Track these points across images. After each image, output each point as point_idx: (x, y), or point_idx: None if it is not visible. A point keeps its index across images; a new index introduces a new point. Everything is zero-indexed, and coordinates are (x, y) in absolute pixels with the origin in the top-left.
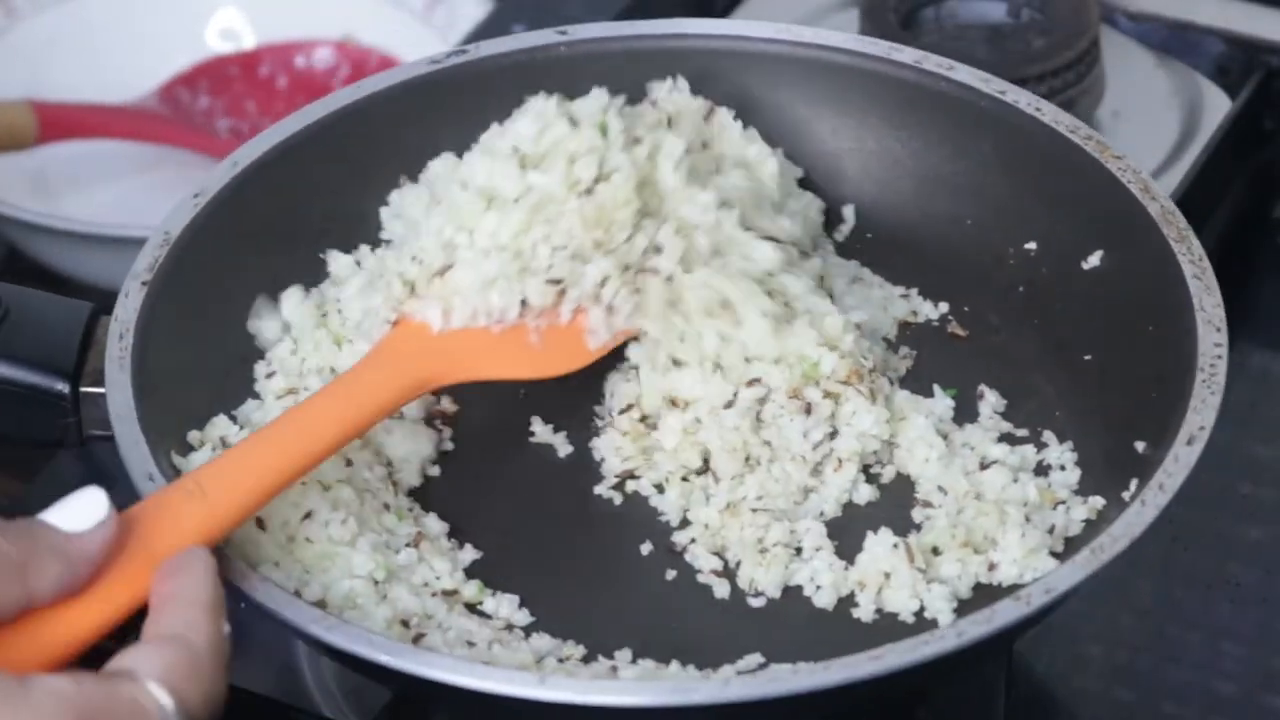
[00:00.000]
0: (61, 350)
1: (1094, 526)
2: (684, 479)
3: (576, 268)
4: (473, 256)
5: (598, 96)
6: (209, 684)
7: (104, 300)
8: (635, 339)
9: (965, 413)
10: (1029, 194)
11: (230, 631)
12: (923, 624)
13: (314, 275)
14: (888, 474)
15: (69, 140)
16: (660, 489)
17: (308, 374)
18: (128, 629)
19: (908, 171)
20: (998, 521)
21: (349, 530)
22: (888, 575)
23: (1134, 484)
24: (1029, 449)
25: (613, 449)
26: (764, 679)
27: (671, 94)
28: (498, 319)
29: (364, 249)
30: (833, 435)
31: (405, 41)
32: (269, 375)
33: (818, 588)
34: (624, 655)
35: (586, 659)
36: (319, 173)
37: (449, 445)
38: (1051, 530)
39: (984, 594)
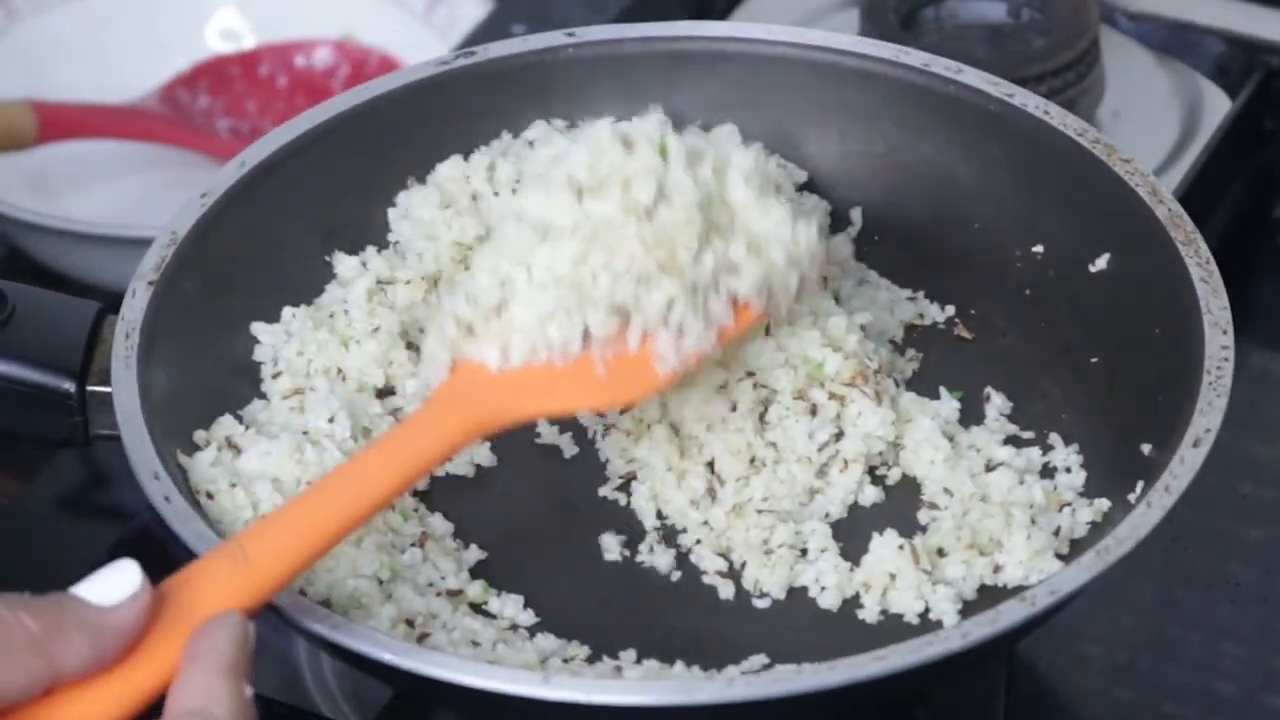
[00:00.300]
0: (68, 349)
1: (1099, 529)
2: (689, 480)
3: (640, 292)
4: (529, 291)
5: (655, 116)
6: None
7: (105, 300)
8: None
9: (971, 415)
10: (1036, 197)
11: (253, 694)
12: (928, 625)
13: (320, 277)
14: (893, 476)
15: (69, 140)
16: (665, 490)
17: (314, 374)
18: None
19: (915, 174)
20: (1003, 523)
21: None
22: (893, 576)
23: (1139, 486)
24: (1035, 451)
25: (617, 450)
26: (768, 679)
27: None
28: (560, 353)
29: (370, 250)
30: (838, 437)
31: (405, 41)
32: (275, 375)
33: (823, 589)
34: (629, 655)
35: (591, 659)
36: (326, 174)
37: None
38: (1057, 532)
39: (989, 595)
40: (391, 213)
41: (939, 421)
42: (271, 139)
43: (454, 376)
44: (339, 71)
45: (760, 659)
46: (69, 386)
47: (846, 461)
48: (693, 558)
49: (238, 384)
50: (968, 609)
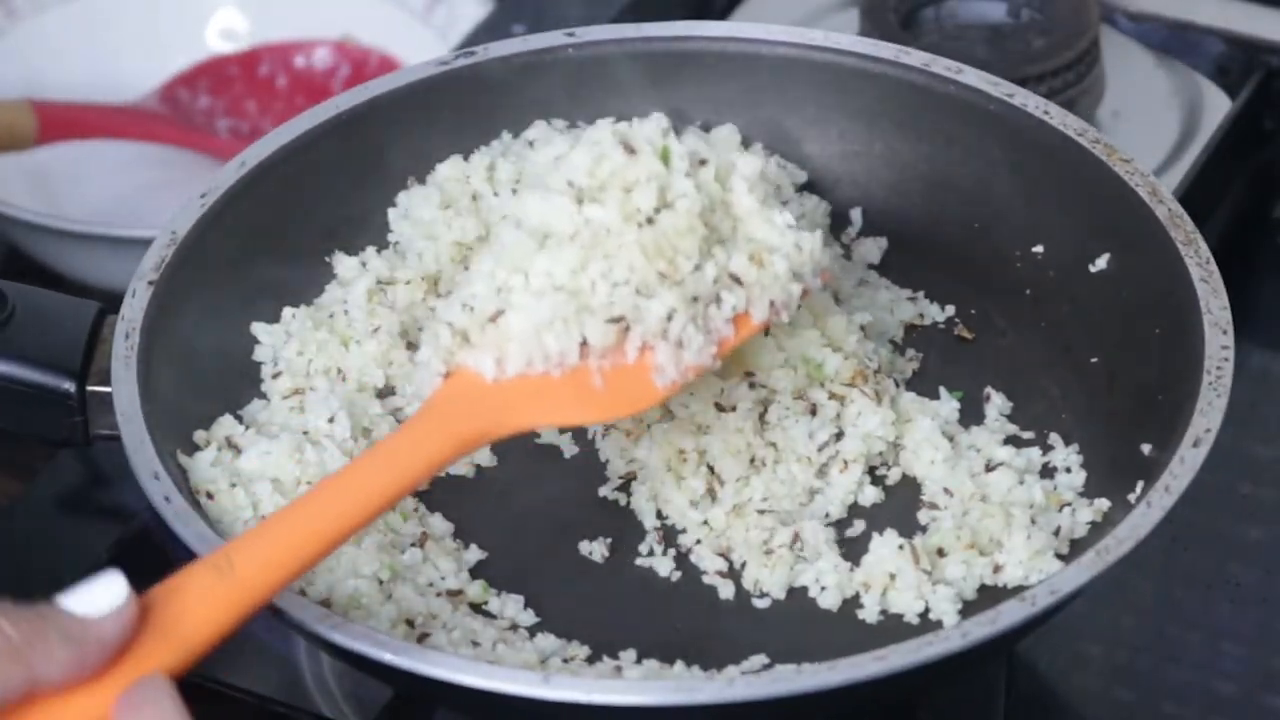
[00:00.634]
0: (68, 349)
1: (1099, 529)
2: (689, 481)
3: (640, 303)
4: (526, 300)
5: (656, 120)
6: None
7: (105, 299)
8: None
9: (971, 415)
10: (1036, 197)
11: None
12: (928, 625)
13: (320, 277)
14: (893, 476)
15: (69, 140)
16: (665, 491)
17: (314, 374)
18: None
19: (915, 174)
20: (1003, 523)
21: None
22: (893, 577)
23: (1139, 486)
24: (1035, 451)
25: (617, 450)
26: (768, 679)
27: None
28: (556, 363)
29: (370, 251)
30: (838, 437)
31: (405, 41)
32: (275, 375)
33: (823, 589)
34: (629, 655)
35: (591, 659)
36: (326, 174)
37: None
38: (1057, 532)
39: (989, 595)
40: (391, 213)
41: (939, 421)
42: (271, 139)
43: (448, 385)
44: (339, 71)
45: (760, 659)
46: (69, 386)
47: (846, 461)
48: (693, 558)
49: (238, 384)
50: (968, 609)
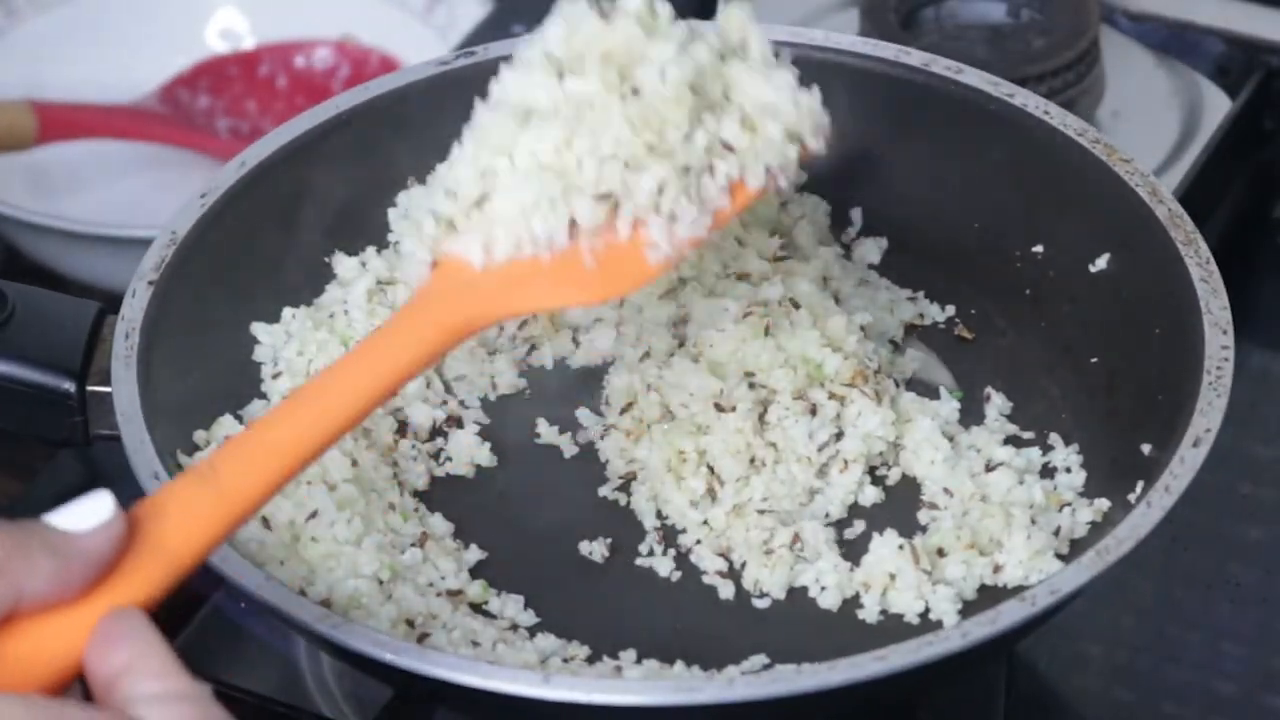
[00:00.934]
0: (68, 349)
1: (1099, 529)
2: (689, 481)
3: (629, 177)
4: (512, 181)
5: None
6: None
7: (105, 300)
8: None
9: (971, 415)
10: (1037, 197)
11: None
12: (928, 625)
13: (320, 277)
14: (893, 476)
15: (69, 140)
16: (665, 491)
17: (314, 374)
18: None
19: (915, 174)
20: (1003, 523)
21: (354, 530)
22: (893, 577)
23: (1139, 486)
24: (1035, 451)
25: (617, 450)
26: (768, 679)
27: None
28: (546, 245)
29: (370, 251)
30: (838, 437)
31: (405, 41)
32: (275, 375)
33: (823, 589)
34: (629, 656)
35: (591, 659)
36: (326, 174)
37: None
38: (1057, 532)
39: (989, 595)
40: (391, 213)
41: (939, 422)
42: (271, 139)
43: (436, 275)
44: (339, 72)
45: (760, 659)
46: (69, 386)
47: (846, 461)
48: (693, 558)
49: (238, 384)
50: (968, 609)
